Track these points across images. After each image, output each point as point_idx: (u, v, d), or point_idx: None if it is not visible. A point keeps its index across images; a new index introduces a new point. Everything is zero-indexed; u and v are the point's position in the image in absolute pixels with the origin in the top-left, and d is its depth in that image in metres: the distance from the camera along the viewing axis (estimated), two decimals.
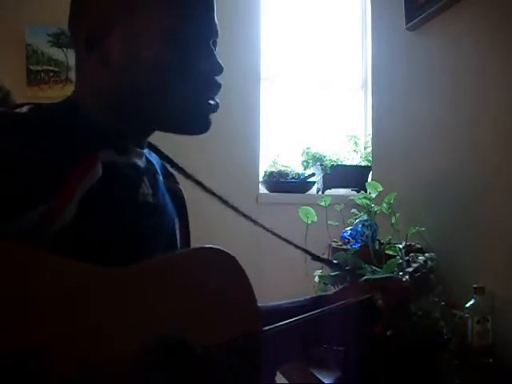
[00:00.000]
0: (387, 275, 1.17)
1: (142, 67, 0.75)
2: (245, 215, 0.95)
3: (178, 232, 0.90)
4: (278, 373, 1.74)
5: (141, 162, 0.83)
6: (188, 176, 0.90)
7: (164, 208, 0.86)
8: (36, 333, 0.56)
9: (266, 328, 0.78)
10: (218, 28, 0.83)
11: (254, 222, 0.96)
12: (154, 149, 0.91)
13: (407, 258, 1.11)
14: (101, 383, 0.59)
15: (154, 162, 0.90)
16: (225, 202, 0.93)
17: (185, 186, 0.98)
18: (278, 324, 0.80)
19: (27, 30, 2.59)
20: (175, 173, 0.94)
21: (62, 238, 0.65)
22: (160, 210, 0.84)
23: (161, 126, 0.83)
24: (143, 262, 0.68)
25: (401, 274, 1.06)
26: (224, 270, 0.74)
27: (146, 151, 0.87)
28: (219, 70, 0.82)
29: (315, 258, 1.04)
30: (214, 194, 0.92)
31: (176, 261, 0.72)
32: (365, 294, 0.96)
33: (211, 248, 0.73)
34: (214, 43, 0.84)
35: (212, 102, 0.81)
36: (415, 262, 1.10)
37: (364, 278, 1.02)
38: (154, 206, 0.83)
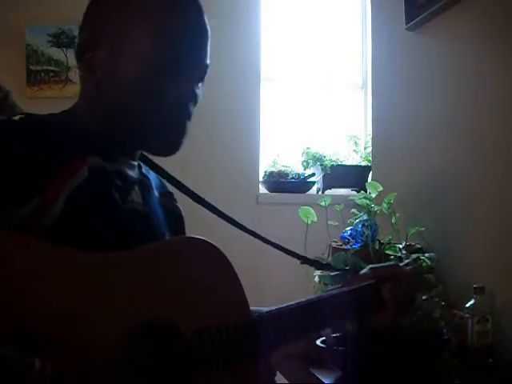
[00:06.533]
0: (389, 263, 1.16)
1: (119, 83, 0.79)
2: (237, 224, 0.96)
3: None
4: (278, 373, 1.75)
5: (132, 173, 0.86)
6: (182, 187, 0.93)
7: (154, 219, 0.88)
8: (23, 315, 0.60)
9: (259, 313, 0.81)
10: (207, 63, 0.85)
11: (250, 232, 0.97)
12: (146, 161, 0.93)
13: (399, 255, 1.12)
14: (89, 364, 0.61)
15: (151, 178, 0.93)
16: (222, 215, 0.95)
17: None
18: (271, 308, 0.83)
19: (27, 29, 2.59)
20: (174, 191, 0.97)
21: (50, 233, 0.69)
22: (149, 219, 0.86)
23: (132, 142, 0.85)
24: (131, 249, 0.72)
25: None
26: (209, 259, 0.77)
27: (143, 168, 0.91)
28: (193, 100, 0.83)
29: (305, 261, 1.03)
30: (212, 208, 0.94)
31: (162, 249, 0.76)
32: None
33: (195, 238, 0.77)
34: (201, 78, 0.85)
35: (181, 127, 0.83)
36: (407, 259, 1.10)
37: (369, 266, 1.02)
38: (143, 214, 0.85)
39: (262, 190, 2.89)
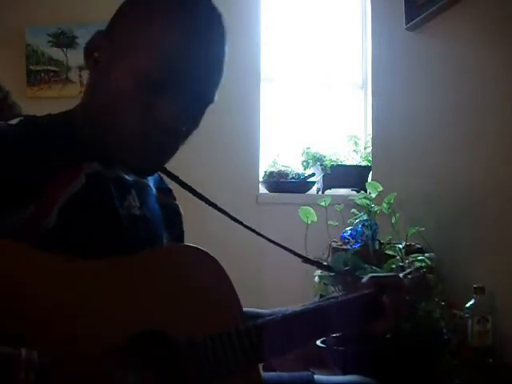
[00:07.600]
0: (390, 274, 1.15)
1: (109, 89, 0.76)
2: (240, 222, 0.95)
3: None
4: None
5: (129, 176, 0.85)
6: (182, 184, 0.91)
7: (151, 221, 0.87)
8: (18, 322, 0.60)
9: (254, 323, 0.78)
10: (209, 94, 0.82)
11: (250, 228, 0.96)
12: None
13: (401, 264, 1.12)
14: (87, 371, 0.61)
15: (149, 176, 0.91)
16: (222, 211, 0.93)
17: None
18: (266, 319, 0.81)
19: (27, 30, 2.59)
20: (175, 188, 0.95)
21: (48, 240, 0.69)
22: (147, 222, 0.86)
23: (110, 154, 0.80)
24: (125, 256, 0.71)
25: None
26: (203, 268, 0.76)
27: None
28: (180, 125, 0.78)
29: (306, 260, 1.02)
30: (213, 204, 0.92)
31: (156, 258, 0.75)
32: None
33: (190, 246, 0.76)
34: (197, 105, 0.81)
35: (160, 148, 0.78)
36: (409, 268, 1.10)
37: (370, 275, 1.01)
38: (140, 217, 0.84)
39: (262, 190, 2.88)
